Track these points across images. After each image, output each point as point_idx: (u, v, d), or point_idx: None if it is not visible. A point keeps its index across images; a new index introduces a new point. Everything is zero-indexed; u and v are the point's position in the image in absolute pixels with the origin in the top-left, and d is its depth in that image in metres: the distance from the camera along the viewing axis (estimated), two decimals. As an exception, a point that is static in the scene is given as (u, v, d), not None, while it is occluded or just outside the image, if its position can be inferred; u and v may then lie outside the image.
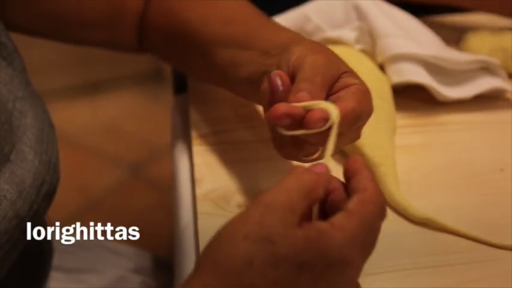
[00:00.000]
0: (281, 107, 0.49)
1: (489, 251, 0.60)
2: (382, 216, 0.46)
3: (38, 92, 0.64)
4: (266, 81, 0.53)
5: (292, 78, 0.53)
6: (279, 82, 0.52)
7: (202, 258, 0.44)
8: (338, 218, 0.44)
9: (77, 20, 0.71)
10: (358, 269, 0.45)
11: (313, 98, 0.50)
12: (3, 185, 0.55)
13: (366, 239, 0.44)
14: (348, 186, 0.47)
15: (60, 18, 0.70)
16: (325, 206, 0.47)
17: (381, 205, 0.45)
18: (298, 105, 0.50)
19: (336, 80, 0.53)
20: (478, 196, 0.66)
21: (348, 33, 0.78)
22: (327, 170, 0.46)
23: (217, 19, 0.65)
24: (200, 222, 0.62)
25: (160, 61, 0.81)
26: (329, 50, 0.56)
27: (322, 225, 0.43)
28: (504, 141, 0.71)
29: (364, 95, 0.52)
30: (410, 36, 0.77)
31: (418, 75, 0.75)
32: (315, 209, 0.47)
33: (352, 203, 0.45)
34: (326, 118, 0.48)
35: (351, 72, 0.54)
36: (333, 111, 0.49)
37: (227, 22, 0.64)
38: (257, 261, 0.42)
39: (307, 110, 0.49)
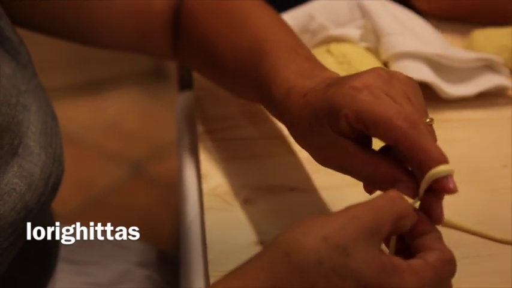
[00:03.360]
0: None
1: (491, 245, 0.60)
2: (449, 283, 0.45)
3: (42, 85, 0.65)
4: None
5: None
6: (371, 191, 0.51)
7: (274, 244, 0.43)
8: (417, 264, 0.43)
9: (95, 28, 0.70)
10: None
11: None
12: (12, 178, 0.55)
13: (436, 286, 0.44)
14: (412, 237, 0.47)
15: (78, 24, 0.69)
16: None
17: (453, 271, 0.45)
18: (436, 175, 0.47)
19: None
20: (481, 192, 0.66)
21: (353, 31, 0.79)
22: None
23: (242, 48, 0.63)
24: (206, 217, 0.63)
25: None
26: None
27: (401, 262, 0.43)
28: (507, 138, 0.72)
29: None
30: (414, 35, 0.78)
31: (421, 73, 0.75)
32: (393, 241, 0.46)
33: (434, 258, 0.44)
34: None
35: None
36: (449, 170, 0.46)
37: (252, 55, 0.62)
38: (327, 265, 0.41)
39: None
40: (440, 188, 0.46)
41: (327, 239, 0.41)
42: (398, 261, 0.42)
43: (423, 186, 0.46)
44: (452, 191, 0.46)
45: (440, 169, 0.46)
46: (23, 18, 0.67)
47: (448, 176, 0.46)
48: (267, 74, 0.58)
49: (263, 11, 0.66)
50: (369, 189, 0.52)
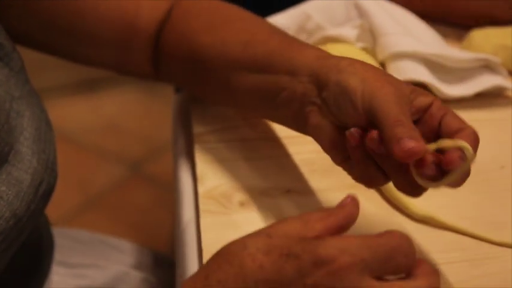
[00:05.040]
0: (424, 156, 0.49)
1: (490, 248, 0.60)
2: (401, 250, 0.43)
3: (36, 90, 0.64)
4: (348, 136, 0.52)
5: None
6: (357, 141, 0.53)
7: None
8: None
9: (84, 35, 0.70)
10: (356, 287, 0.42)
11: (416, 140, 0.49)
12: None
13: (375, 265, 0.43)
14: None
15: (64, 31, 0.69)
16: None
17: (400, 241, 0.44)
18: (430, 147, 0.49)
19: (409, 103, 0.52)
20: (479, 194, 0.66)
21: (349, 31, 0.78)
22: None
23: (235, 42, 0.64)
24: (202, 220, 0.63)
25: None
26: (373, 67, 0.55)
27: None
28: (505, 139, 0.72)
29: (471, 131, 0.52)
30: (411, 35, 0.78)
31: (419, 73, 0.75)
32: None
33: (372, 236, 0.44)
34: (463, 157, 0.49)
35: (414, 88, 0.54)
36: (468, 148, 0.49)
37: (246, 44, 0.63)
38: (251, 246, 0.44)
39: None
40: (453, 159, 0.48)
41: (251, 234, 0.45)
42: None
43: (444, 143, 0.49)
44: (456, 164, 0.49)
45: (469, 147, 0.49)
46: (14, 29, 0.66)
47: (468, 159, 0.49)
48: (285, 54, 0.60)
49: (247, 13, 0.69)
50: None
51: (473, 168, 0.68)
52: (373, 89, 0.52)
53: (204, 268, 0.46)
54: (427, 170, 0.49)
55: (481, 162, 0.69)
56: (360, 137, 0.52)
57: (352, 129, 0.52)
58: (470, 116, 0.75)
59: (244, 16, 0.68)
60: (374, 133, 0.51)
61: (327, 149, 0.56)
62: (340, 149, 0.54)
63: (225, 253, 0.45)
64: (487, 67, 0.77)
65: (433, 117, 0.52)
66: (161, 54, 0.71)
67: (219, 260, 0.45)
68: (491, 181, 0.67)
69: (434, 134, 0.52)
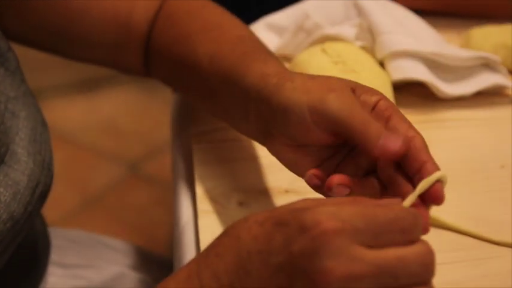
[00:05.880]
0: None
1: (490, 248, 0.60)
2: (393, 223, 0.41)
3: (35, 90, 0.64)
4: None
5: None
6: (317, 181, 0.52)
7: None
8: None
9: (77, 36, 0.70)
10: (343, 253, 0.39)
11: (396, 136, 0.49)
12: None
13: (369, 235, 0.40)
14: None
15: (57, 33, 0.69)
16: None
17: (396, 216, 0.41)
18: (412, 197, 0.48)
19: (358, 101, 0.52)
20: (479, 193, 0.66)
21: (348, 30, 0.78)
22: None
23: (204, 55, 0.64)
24: (200, 221, 0.62)
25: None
26: (313, 76, 0.54)
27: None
28: (504, 138, 0.71)
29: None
30: (410, 33, 0.77)
31: (418, 72, 0.74)
32: None
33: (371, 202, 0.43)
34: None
35: (358, 85, 0.53)
36: (444, 175, 0.49)
37: (212, 58, 0.63)
38: (251, 220, 0.44)
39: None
40: (439, 194, 0.48)
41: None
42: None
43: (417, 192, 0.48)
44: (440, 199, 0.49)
45: (444, 174, 0.48)
46: (9, 30, 0.66)
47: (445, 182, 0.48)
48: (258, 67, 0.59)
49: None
50: None
51: (473, 167, 0.68)
52: (320, 98, 0.51)
53: (208, 246, 0.45)
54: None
55: (481, 161, 0.69)
56: (318, 179, 0.52)
57: (310, 173, 0.52)
58: (469, 115, 0.75)
59: (219, 23, 0.67)
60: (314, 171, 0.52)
61: (288, 168, 0.56)
62: (301, 166, 0.54)
63: (228, 229, 0.45)
64: (487, 65, 0.77)
65: (379, 116, 0.51)
66: (151, 54, 0.71)
67: (221, 235, 0.45)
68: (491, 180, 0.67)
69: None
